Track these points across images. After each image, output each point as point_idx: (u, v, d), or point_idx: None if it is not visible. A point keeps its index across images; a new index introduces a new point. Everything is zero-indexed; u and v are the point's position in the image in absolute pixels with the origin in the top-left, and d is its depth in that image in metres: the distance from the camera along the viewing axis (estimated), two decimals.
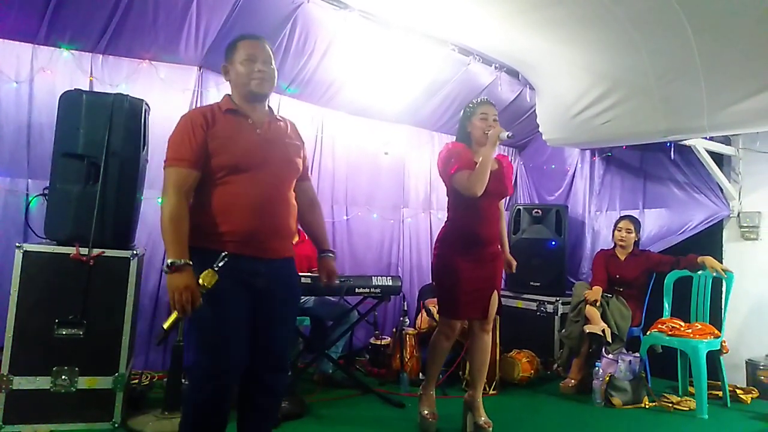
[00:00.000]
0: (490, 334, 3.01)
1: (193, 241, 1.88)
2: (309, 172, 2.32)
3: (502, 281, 5.09)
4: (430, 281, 3.75)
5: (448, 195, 2.94)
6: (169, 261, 1.80)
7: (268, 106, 2.14)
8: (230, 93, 2.08)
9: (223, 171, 1.93)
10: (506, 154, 5.67)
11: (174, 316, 1.79)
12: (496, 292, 2.96)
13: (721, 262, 4.01)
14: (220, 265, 1.83)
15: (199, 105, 3.56)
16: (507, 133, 2.72)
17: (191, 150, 1.90)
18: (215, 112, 1.99)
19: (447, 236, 2.93)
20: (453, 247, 2.87)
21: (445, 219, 2.99)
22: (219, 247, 1.87)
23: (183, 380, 3.05)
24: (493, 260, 2.93)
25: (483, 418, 2.91)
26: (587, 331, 3.80)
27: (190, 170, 1.90)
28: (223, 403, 1.93)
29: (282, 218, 2.03)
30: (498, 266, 2.99)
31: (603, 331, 3.75)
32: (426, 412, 2.95)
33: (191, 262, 1.82)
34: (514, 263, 3.14)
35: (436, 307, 3.36)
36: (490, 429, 2.89)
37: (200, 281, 1.80)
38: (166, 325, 1.79)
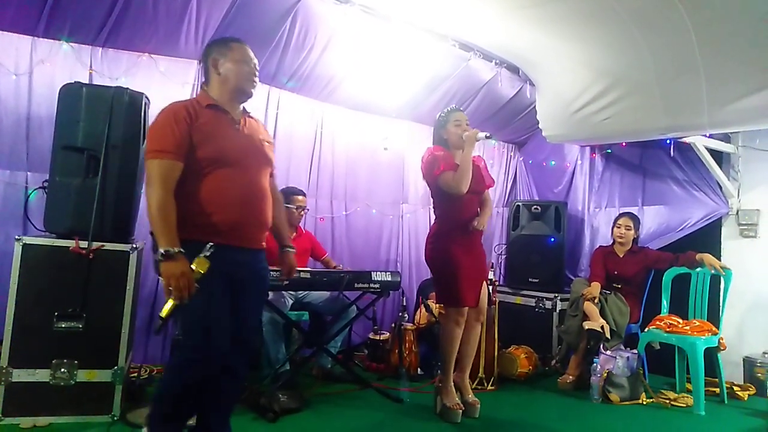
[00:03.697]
0: (481, 324, 3.28)
1: (179, 232, 1.93)
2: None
3: (501, 277, 5.22)
4: (430, 276, 3.77)
5: (433, 196, 3.22)
6: (162, 250, 1.84)
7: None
8: (205, 89, 2.14)
9: (207, 163, 1.99)
10: (504, 150, 5.68)
11: (171, 303, 1.82)
12: (485, 282, 3.25)
13: (720, 260, 4.02)
14: (207, 254, 1.89)
15: None
16: (484, 133, 3.01)
17: (175, 142, 1.94)
18: (196, 107, 2.03)
19: (440, 230, 3.16)
20: (448, 239, 3.09)
21: (434, 217, 3.25)
22: (205, 238, 1.93)
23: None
24: (480, 251, 3.22)
25: (471, 396, 3.17)
26: (586, 327, 3.81)
27: (175, 162, 1.94)
28: (199, 388, 2.00)
29: (264, 210, 2.12)
30: (484, 257, 3.27)
31: (601, 327, 3.76)
32: (450, 404, 3.04)
33: (183, 250, 1.87)
34: (483, 226, 3.18)
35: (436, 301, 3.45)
36: (479, 406, 3.11)
37: (194, 267, 1.85)
38: (163, 314, 1.83)
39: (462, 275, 3.03)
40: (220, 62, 2.10)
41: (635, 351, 3.74)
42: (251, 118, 2.23)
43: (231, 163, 2.02)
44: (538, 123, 4.63)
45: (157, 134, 1.98)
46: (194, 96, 2.14)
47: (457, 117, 3.13)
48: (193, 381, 1.97)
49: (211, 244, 1.91)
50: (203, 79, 2.19)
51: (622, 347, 3.79)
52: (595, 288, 3.97)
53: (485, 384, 3.71)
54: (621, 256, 4.23)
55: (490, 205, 3.35)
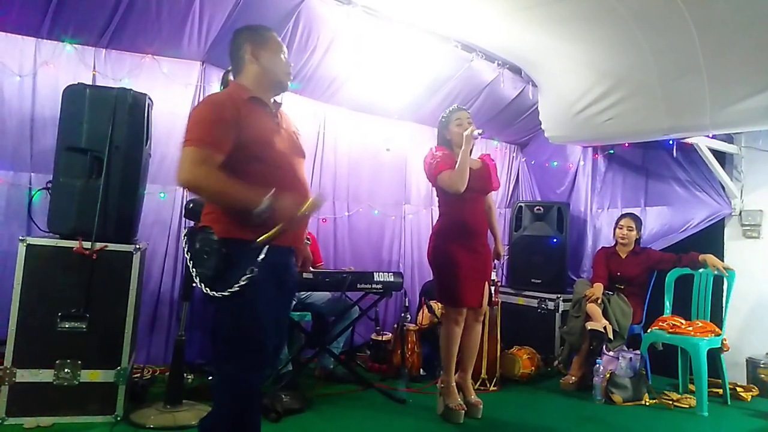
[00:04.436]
0: (481, 324, 3.29)
1: (229, 232, 1.81)
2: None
3: (503, 278, 5.22)
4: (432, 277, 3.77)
5: (437, 195, 3.24)
6: (254, 213, 1.73)
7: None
8: (231, 79, 2.01)
9: (254, 161, 1.86)
10: (506, 150, 5.68)
11: (277, 228, 1.76)
12: (486, 283, 3.23)
13: (723, 260, 4.01)
14: (262, 257, 1.79)
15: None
16: (477, 131, 3.03)
17: (218, 135, 1.79)
18: (238, 101, 1.88)
19: (442, 228, 3.18)
20: (449, 237, 3.11)
21: (438, 215, 3.28)
22: (257, 238, 1.80)
23: (185, 375, 3.07)
24: (484, 252, 3.20)
25: (473, 397, 3.19)
26: (588, 328, 3.80)
27: (215, 153, 1.78)
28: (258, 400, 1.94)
29: None
30: (488, 258, 3.26)
31: (604, 328, 3.76)
32: (452, 405, 3.05)
33: (266, 203, 1.75)
34: (502, 253, 3.42)
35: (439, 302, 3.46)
36: (481, 407, 3.13)
37: (303, 209, 1.79)
38: (266, 235, 1.77)
39: (462, 275, 3.04)
40: (260, 52, 1.95)
41: (638, 352, 3.74)
42: (281, 110, 2.08)
43: (277, 160, 1.91)
44: (540, 124, 4.62)
45: (201, 124, 1.81)
46: (230, 90, 1.98)
47: (459, 116, 3.15)
48: (249, 394, 1.86)
49: (267, 245, 1.81)
50: (233, 69, 2.02)
51: (625, 348, 3.78)
52: (598, 289, 3.97)
53: (488, 385, 3.71)
54: (623, 257, 4.23)
55: (495, 216, 3.42)
